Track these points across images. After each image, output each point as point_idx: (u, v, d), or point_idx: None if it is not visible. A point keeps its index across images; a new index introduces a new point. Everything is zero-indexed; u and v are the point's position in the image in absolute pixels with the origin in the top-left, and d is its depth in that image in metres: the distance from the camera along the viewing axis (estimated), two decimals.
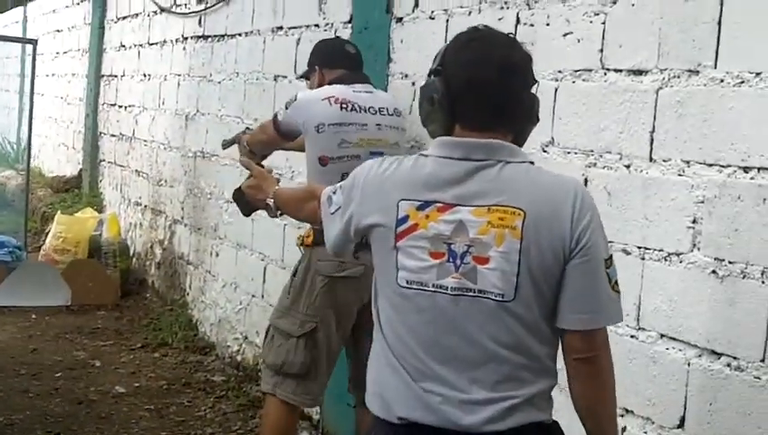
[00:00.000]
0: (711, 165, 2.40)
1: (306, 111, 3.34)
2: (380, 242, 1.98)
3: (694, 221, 2.45)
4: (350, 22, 4.19)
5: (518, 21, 3.10)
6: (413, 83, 3.72)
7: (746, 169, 2.31)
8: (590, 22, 2.81)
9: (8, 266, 6.58)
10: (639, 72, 2.63)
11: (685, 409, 2.47)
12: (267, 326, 3.48)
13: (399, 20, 3.83)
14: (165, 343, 5.76)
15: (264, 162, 3.62)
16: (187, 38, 6.43)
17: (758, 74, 2.29)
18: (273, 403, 3.40)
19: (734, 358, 2.34)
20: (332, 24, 4.34)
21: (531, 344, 1.89)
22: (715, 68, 2.40)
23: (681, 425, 2.47)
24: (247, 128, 3.92)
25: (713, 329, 2.40)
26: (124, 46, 8.13)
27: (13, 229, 7.70)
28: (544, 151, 2.93)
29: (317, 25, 4.48)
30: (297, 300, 3.37)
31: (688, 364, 2.46)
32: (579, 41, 2.86)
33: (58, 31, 11.15)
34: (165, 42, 6.94)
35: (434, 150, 1.98)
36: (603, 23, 2.77)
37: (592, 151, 2.78)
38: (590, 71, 2.81)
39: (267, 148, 3.71)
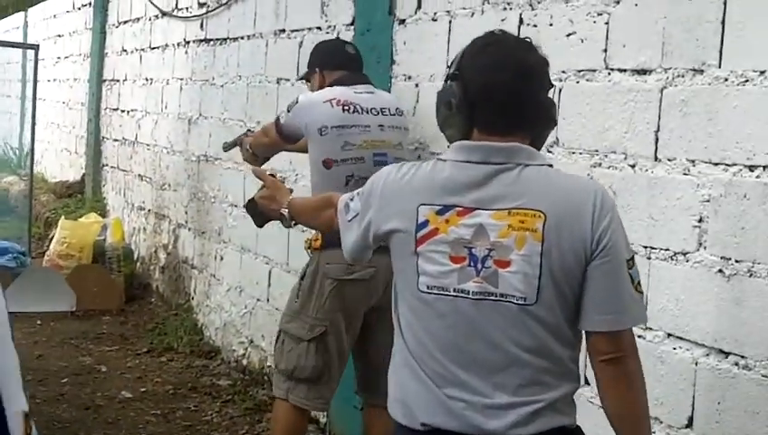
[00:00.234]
0: (716, 164, 2.40)
1: (308, 113, 3.34)
2: (400, 248, 1.97)
3: (700, 220, 2.45)
4: (352, 24, 4.19)
5: (521, 22, 3.10)
6: (416, 85, 3.72)
7: (752, 168, 2.31)
8: (594, 22, 2.81)
9: (12, 272, 6.57)
10: (643, 72, 2.63)
11: (693, 408, 2.46)
12: (278, 331, 3.48)
13: (402, 22, 3.83)
14: (170, 348, 5.76)
15: (267, 165, 3.63)
16: (188, 42, 6.44)
17: (762, 73, 2.29)
18: (284, 408, 3.40)
19: (742, 357, 2.34)
20: (335, 27, 4.34)
21: (553, 347, 1.88)
22: (720, 67, 2.40)
23: (689, 425, 2.47)
24: (249, 130, 3.92)
25: (720, 328, 2.40)
26: (126, 51, 8.14)
27: (16, 235, 7.69)
28: (549, 152, 2.92)
29: (319, 28, 4.48)
30: (306, 304, 3.37)
31: (696, 364, 2.46)
32: (582, 41, 2.86)
33: (59, 36, 11.15)
34: (167, 46, 6.94)
35: (452, 154, 1.97)
36: (606, 23, 2.77)
37: (597, 151, 2.78)
38: (594, 71, 2.81)
39: (269, 150, 3.72)
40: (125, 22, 8.20)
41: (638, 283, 1.90)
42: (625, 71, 2.70)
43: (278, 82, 4.91)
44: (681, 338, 2.51)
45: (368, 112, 3.37)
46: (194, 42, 6.32)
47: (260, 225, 2.93)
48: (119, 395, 4.92)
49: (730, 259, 2.36)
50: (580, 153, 2.84)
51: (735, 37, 2.36)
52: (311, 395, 3.36)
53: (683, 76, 2.50)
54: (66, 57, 10.71)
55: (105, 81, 8.79)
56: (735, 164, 2.35)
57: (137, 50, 7.77)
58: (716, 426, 2.39)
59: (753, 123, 2.30)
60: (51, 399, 4.80)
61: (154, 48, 7.29)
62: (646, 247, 2.61)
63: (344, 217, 2.14)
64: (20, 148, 13.05)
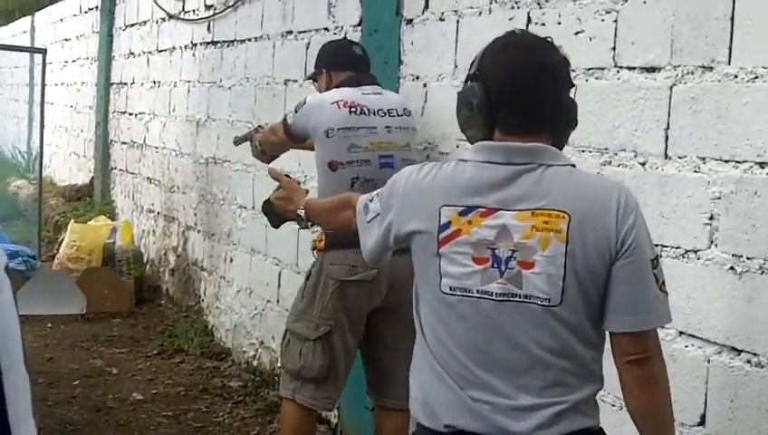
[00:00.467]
0: (727, 161, 2.39)
1: (315, 114, 3.34)
2: (422, 249, 1.96)
3: (711, 218, 2.44)
4: (359, 24, 4.19)
5: (529, 20, 3.10)
6: (424, 85, 3.72)
7: (762, 165, 2.30)
8: (602, 20, 2.80)
9: (23, 276, 6.59)
10: (653, 70, 2.62)
11: (705, 406, 2.46)
12: (284, 331, 3.49)
13: (409, 22, 3.83)
14: (181, 350, 5.77)
15: (274, 163, 3.63)
16: (195, 44, 6.45)
17: None
18: (291, 407, 3.41)
19: (755, 354, 2.33)
20: (342, 27, 4.34)
21: (576, 348, 1.87)
22: (729, 64, 2.39)
23: (702, 422, 2.46)
24: (260, 126, 3.92)
25: (732, 325, 2.39)
26: (133, 54, 8.16)
27: (26, 239, 7.73)
28: None
29: (327, 29, 4.48)
30: (311, 304, 3.37)
31: (708, 361, 2.45)
32: (591, 39, 2.85)
33: (66, 40, 11.19)
34: (174, 48, 6.96)
35: (473, 155, 1.95)
36: (615, 20, 2.76)
37: (607, 150, 2.78)
38: (603, 69, 2.80)
39: (278, 148, 3.73)
40: (132, 25, 8.22)
41: (663, 282, 1.89)
42: (634, 68, 2.69)
43: (285, 84, 4.91)
44: (693, 336, 2.50)
45: (375, 114, 3.36)
46: (201, 44, 6.33)
47: (276, 226, 2.92)
48: (130, 397, 4.94)
49: (741, 256, 2.36)
50: (590, 151, 2.83)
51: (744, 33, 2.35)
52: (318, 395, 3.37)
53: (692, 73, 2.50)
54: (73, 61, 10.74)
55: (113, 84, 8.82)
56: (746, 161, 2.34)
57: (144, 53, 7.79)
58: (729, 424, 2.39)
59: (764, 120, 2.30)
60: (62, 401, 4.82)
61: (161, 51, 7.31)
62: (657, 245, 2.58)
63: (363, 219, 2.13)
64: (28, 152, 13.11)
